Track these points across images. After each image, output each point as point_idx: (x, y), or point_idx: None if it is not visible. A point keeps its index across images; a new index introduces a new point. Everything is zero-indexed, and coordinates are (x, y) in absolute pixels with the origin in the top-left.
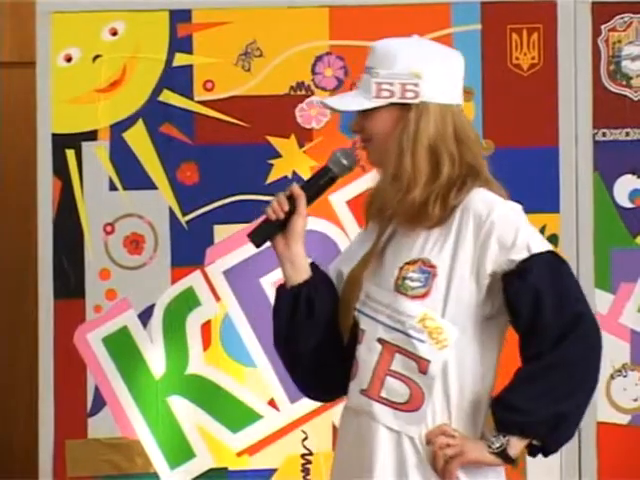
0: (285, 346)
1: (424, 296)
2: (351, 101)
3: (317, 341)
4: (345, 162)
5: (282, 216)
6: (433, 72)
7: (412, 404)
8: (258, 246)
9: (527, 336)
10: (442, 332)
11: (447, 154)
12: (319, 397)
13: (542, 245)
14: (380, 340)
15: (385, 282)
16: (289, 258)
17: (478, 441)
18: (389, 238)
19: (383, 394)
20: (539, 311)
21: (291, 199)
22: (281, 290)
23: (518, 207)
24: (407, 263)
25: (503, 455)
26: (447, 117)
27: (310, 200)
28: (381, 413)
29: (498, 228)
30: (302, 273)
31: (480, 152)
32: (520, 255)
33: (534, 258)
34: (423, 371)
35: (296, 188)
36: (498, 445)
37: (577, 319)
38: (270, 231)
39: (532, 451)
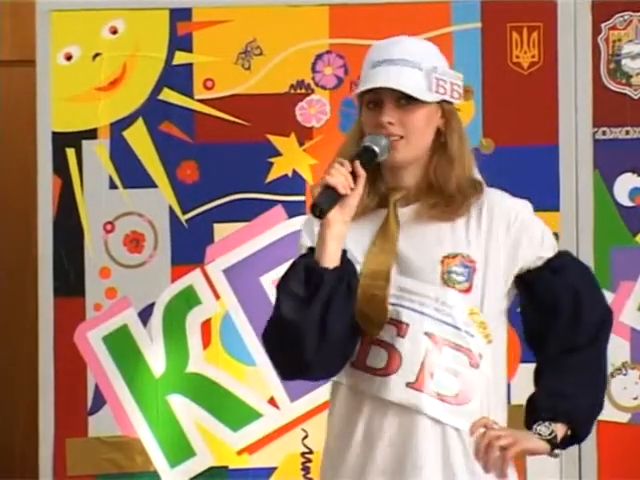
0: (320, 327)
1: (468, 290)
2: (410, 86)
3: (348, 325)
4: (383, 142)
5: (349, 192)
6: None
7: (462, 397)
8: (323, 215)
9: (566, 330)
10: (487, 327)
11: (468, 149)
12: (320, 375)
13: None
14: (427, 334)
15: (426, 275)
16: (339, 236)
17: (526, 431)
18: (397, 235)
19: (432, 387)
20: (580, 308)
21: (353, 176)
22: (319, 269)
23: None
24: (446, 257)
25: (554, 442)
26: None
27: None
28: (430, 405)
29: (529, 226)
30: (339, 255)
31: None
32: (548, 253)
33: (563, 256)
34: (474, 365)
35: (359, 167)
36: (549, 433)
37: (606, 317)
38: (335, 201)
39: (564, 442)
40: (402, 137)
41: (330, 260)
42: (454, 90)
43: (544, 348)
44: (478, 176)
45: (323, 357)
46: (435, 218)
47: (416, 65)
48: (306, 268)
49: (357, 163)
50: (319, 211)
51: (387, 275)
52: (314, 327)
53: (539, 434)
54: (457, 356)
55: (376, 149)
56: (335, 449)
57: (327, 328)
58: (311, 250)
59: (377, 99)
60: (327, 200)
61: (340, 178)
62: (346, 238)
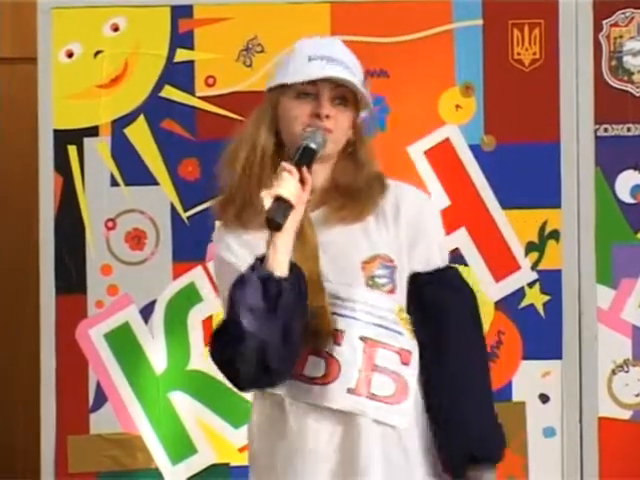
0: (284, 336)
1: (393, 291)
2: (361, 89)
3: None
4: (320, 139)
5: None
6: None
7: (398, 396)
8: (280, 228)
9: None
10: (410, 323)
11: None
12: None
13: None
14: (362, 338)
15: (350, 280)
16: (290, 244)
17: None
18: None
19: (372, 390)
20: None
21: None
22: (275, 279)
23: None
24: (365, 262)
25: None
26: None
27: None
28: (372, 409)
29: (428, 228)
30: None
31: None
32: (438, 262)
33: (448, 270)
34: (406, 362)
35: (306, 173)
36: None
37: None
38: (289, 212)
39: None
40: (331, 132)
41: (283, 269)
42: (367, 105)
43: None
44: (379, 169)
45: (286, 365)
46: (345, 220)
47: (352, 71)
48: (262, 280)
49: (305, 169)
50: (276, 225)
51: (320, 284)
52: (278, 336)
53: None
54: (390, 356)
55: (314, 147)
56: (264, 463)
57: (290, 336)
58: (260, 261)
59: (314, 92)
60: (281, 212)
61: (291, 189)
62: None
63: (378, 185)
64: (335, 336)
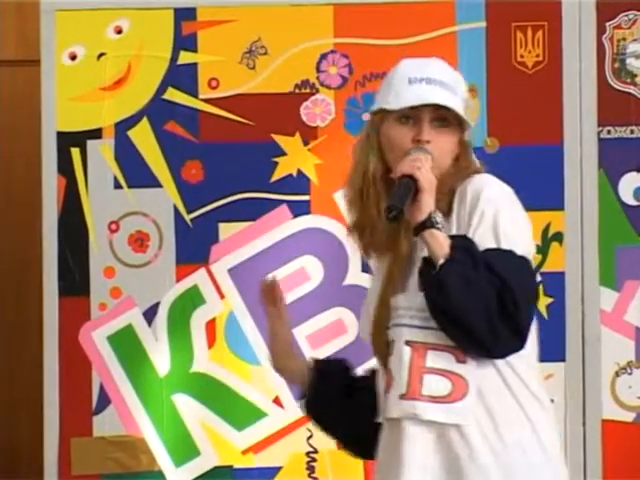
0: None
1: None
2: (459, 111)
3: None
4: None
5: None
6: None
7: (456, 394)
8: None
9: None
10: None
11: None
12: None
13: None
14: (408, 342)
15: (412, 287)
16: None
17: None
18: (411, 254)
19: (424, 392)
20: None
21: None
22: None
23: None
24: (424, 257)
25: (428, 224)
26: None
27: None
28: (427, 410)
29: (485, 210)
30: None
31: None
32: (488, 244)
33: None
34: (462, 360)
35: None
36: (437, 222)
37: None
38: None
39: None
40: (429, 154)
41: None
42: (468, 125)
43: None
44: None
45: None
46: None
47: (453, 90)
48: None
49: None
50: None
51: (383, 302)
52: None
53: (434, 217)
54: (442, 356)
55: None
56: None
57: None
58: None
59: (414, 115)
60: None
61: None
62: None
63: (457, 186)
64: (389, 347)
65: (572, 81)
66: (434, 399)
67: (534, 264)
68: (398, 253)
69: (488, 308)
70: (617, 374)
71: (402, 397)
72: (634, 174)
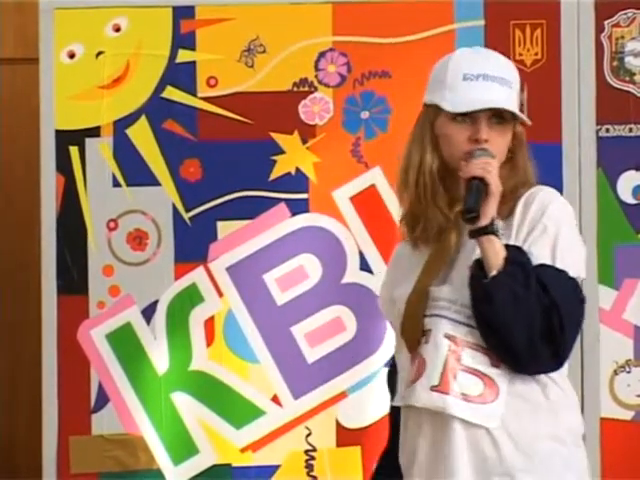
0: None
1: None
2: (514, 109)
3: None
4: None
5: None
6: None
7: (486, 396)
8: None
9: None
10: None
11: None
12: None
13: None
14: (447, 336)
15: (457, 280)
16: None
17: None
18: (457, 247)
19: (456, 388)
20: None
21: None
22: None
23: None
24: (477, 260)
25: (490, 230)
26: None
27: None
28: (455, 406)
29: (548, 227)
30: None
31: None
32: (542, 260)
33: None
34: (496, 365)
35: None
36: (496, 229)
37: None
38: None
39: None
40: (493, 157)
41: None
42: (522, 111)
43: None
44: (534, 176)
45: None
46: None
47: (508, 84)
48: None
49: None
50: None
51: (422, 291)
52: None
53: (496, 223)
54: (478, 356)
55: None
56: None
57: None
58: None
59: (471, 113)
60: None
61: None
62: (404, 263)
63: (522, 191)
64: (425, 335)
65: (571, 79)
66: (465, 397)
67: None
68: (445, 245)
69: (532, 326)
70: (616, 372)
71: (433, 388)
72: (633, 172)
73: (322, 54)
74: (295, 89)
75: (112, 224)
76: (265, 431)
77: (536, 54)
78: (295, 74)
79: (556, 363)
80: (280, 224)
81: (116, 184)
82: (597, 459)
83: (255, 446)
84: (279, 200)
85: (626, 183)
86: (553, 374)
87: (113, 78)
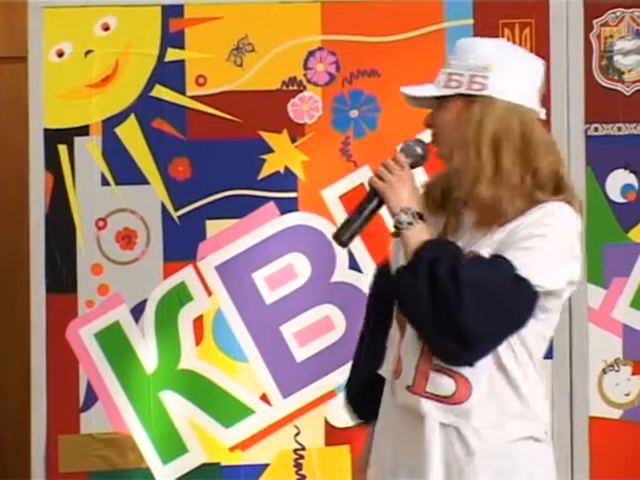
0: None
1: None
2: (424, 89)
3: None
4: (419, 150)
5: None
6: (505, 68)
7: (459, 396)
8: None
9: None
10: None
11: (509, 153)
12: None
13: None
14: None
15: None
16: None
17: (401, 194)
18: (455, 228)
19: (428, 389)
20: None
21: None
22: None
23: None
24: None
25: (398, 227)
26: (514, 116)
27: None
28: (428, 408)
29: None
30: None
31: (554, 156)
32: (510, 256)
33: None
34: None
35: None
36: (407, 222)
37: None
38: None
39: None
40: (437, 135)
41: None
42: (474, 82)
43: None
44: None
45: None
46: (480, 223)
47: (446, 64)
48: None
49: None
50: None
51: None
52: None
53: (398, 217)
54: None
55: (405, 154)
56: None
57: None
58: None
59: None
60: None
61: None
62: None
63: (511, 200)
64: (402, 333)
65: (559, 78)
66: (437, 397)
67: (552, 306)
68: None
69: (425, 315)
70: (604, 371)
71: (408, 389)
72: (621, 171)
73: (311, 53)
74: (284, 88)
75: (101, 223)
76: (254, 430)
77: None
78: (284, 73)
79: (467, 355)
80: (269, 223)
81: (105, 183)
82: (586, 458)
83: (244, 445)
84: (268, 199)
85: (615, 182)
86: (522, 366)
87: (102, 77)
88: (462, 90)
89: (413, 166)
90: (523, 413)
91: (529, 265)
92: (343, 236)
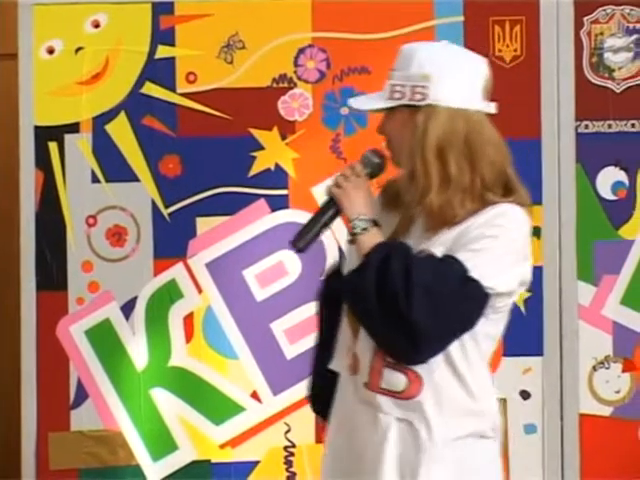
0: None
1: None
2: (370, 102)
3: None
4: (376, 160)
5: None
6: (444, 75)
7: (411, 392)
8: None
9: None
10: None
11: (457, 157)
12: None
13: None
14: None
15: None
16: None
17: (356, 200)
18: (407, 228)
19: (382, 385)
20: None
21: None
22: None
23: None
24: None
25: (354, 234)
26: (458, 121)
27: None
28: (383, 403)
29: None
30: None
31: (501, 157)
32: (457, 255)
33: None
34: None
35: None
36: (361, 228)
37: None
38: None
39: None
40: (388, 142)
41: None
42: (415, 93)
43: None
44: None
45: None
46: (431, 227)
47: (390, 74)
48: None
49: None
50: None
51: None
52: None
53: (353, 224)
54: None
55: (363, 165)
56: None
57: None
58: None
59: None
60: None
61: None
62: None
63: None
64: (355, 332)
65: (550, 75)
66: (391, 393)
67: (502, 303)
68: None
69: (375, 314)
70: (594, 368)
71: (365, 385)
72: (612, 168)
73: (301, 50)
74: (274, 85)
75: (91, 220)
76: (244, 427)
77: (515, 50)
78: (274, 70)
79: (417, 354)
80: (260, 220)
81: (95, 180)
82: (576, 455)
83: (234, 442)
84: (259, 196)
85: (605, 179)
86: (473, 364)
87: (92, 74)
88: (405, 101)
89: (372, 176)
90: (472, 409)
91: (480, 267)
92: (300, 243)
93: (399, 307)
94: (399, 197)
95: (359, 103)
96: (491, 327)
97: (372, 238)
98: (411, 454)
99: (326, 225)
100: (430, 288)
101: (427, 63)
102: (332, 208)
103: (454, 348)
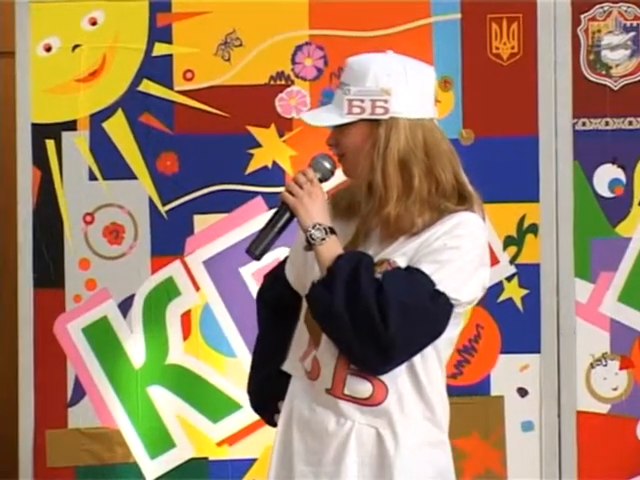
0: None
1: None
2: (325, 117)
3: None
4: (328, 165)
5: None
6: (402, 88)
7: (375, 398)
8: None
9: None
10: None
11: (418, 168)
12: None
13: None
14: None
15: None
16: None
17: (314, 211)
18: (365, 237)
19: (346, 392)
20: None
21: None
22: None
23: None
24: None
25: (311, 242)
26: (417, 132)
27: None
28: (347, 409)
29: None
30: None
31: (454, 165)
32: (423, 268)
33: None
34: None
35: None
36: (320, 237)
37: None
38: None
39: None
40: (342, 155)
41: None
42: (376, 107)
43: None
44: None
45: None
46: (387, 235)
47: (345, 89)
48: None
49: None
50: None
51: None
52: None
53: (311, 233)
54: None
55: (314, 170)
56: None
57: None
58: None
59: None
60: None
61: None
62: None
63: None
64: (317, 338)
65: (547, 73)
66: (354, 399)
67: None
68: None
69: (346, 329)
70: (592, 366)
71: (327, 392)
72: (609, 166)
73: (299, 47)
74: (272, 82)
75: (88, 218)
76: (241, 425)
77: (513, 48)
78: (272, 67)
79: (385, 365)
80: (257, 217)
81: (92, 178)
82: (573, 452)
83: (232, 440)
84: (256, 194)
85: (602, 176)
86: (432, 373)
87: (89, 71)
88: (365, 116)
89: (321, 180)
90: (428, 417)
91: (446, 280)
92: (256, 250)
93: (374, 323)
94: (351, 207)
95: (314, 119)
96: (451, 332)
97: (332, 248)
98: (374, 460)
99: (281, 231)
100: (404, 304)
101: (383, 76)
102: (286, 215)
103: (416, 356)
